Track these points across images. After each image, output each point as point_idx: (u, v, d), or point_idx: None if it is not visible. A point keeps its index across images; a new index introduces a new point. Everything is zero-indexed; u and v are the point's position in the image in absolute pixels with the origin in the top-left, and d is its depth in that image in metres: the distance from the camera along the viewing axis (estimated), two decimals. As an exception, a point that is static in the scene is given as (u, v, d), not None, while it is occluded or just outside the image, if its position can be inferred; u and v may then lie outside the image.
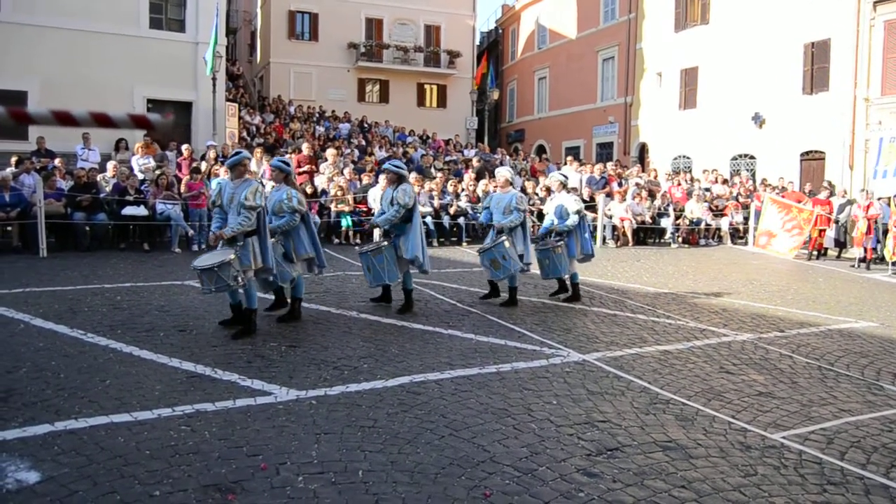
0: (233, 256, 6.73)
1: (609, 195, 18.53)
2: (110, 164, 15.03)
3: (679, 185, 21.30)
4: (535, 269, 9.83)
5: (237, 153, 7.16)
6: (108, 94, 20.01)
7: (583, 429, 4.70)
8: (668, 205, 19.16)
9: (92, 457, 3.97)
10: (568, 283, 9.76)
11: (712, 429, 4.82)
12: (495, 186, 9.99)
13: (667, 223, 18.69)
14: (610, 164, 22.95)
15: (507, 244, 8.75)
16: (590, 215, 17.80)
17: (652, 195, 19.43)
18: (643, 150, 30.98)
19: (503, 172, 9.52)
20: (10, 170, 13.40)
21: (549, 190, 10.16)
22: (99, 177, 14.42)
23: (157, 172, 14.58)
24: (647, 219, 18.42)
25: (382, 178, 16.58)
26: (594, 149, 33.66)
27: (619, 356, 6.70)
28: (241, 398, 5.07)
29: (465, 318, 8.19)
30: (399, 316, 8.16)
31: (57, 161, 14.98)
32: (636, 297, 10.08)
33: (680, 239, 18.70)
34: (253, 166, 16.67)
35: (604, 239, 17.55)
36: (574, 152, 33.01)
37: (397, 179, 8.29)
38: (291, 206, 7.47)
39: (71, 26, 19.97)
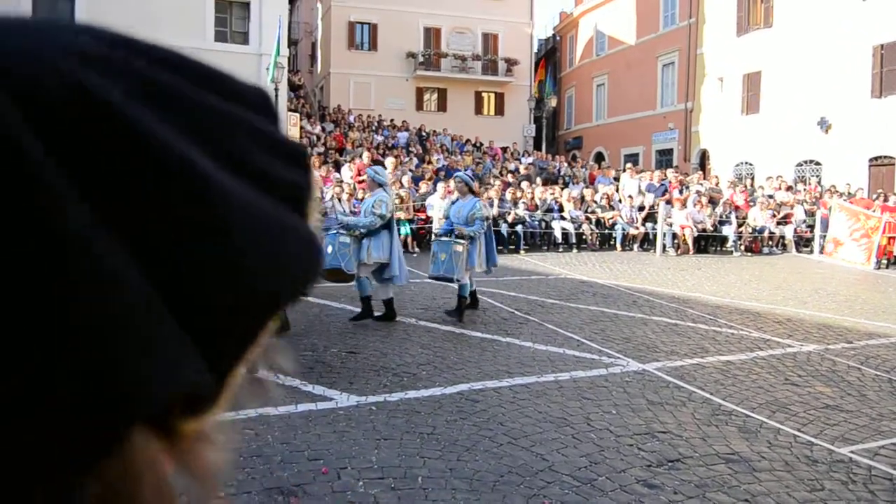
0: None
1: (669, 203, 18.26)
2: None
3: (744, 191, 20.85)
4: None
5: None
6: (175, 106, 20.59)
7: (643, 439, 4.65)
8: (729, 212, 18.78)
9: (161, 458, 4.10)
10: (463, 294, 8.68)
11: (777, 441, 4.72)
12: (449, 191, 9.35)
13: (729, 231, 18.31)
14: (670, 171, 22.61)
15: (459, 248, 8.13)
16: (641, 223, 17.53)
17: (713, 202, 19.08)
18: (704, 156, 30.46)
19: (461, 177, 8.85)
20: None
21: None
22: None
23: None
24: (709, 226, 18.07)
25: (441, 185, 16.72)
26: (654, 155, 33.24)
27: (680, 366, 6.61)
28: (303, 403, 5.17)
29: (523, 326, 8.18)
30: (458, 324, 8.18)
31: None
32: (697, 307, 9.92)
33: (742, 247, 18.29)
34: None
35: (664, 247, 17.29)
36: (633, 159, 32.61)
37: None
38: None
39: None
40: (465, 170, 22.09)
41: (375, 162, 19.28)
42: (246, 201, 0.36)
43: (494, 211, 16.74)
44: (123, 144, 0.32)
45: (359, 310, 8.18)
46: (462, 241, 8.29)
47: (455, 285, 8.50)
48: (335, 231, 7.84)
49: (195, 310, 0.34)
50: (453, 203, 8.98)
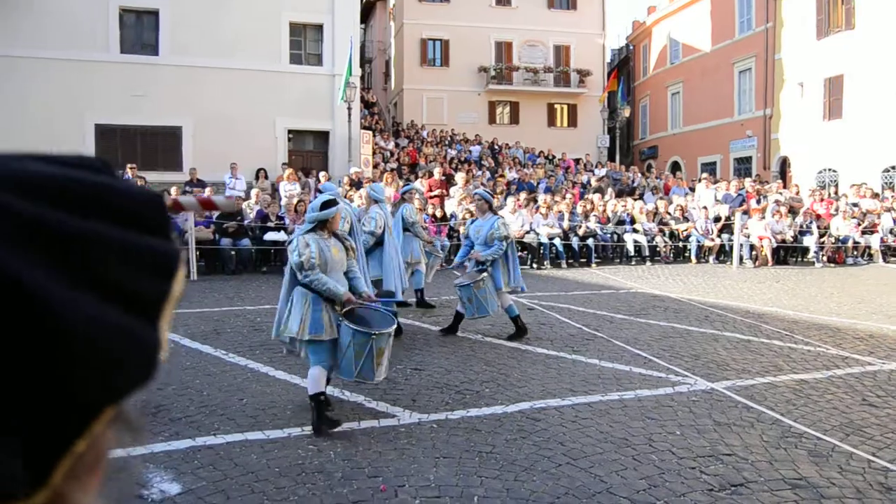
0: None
1: (746, 213, 17.77)
2: (253, 192, 16.01)
3: (822, 199, 20.13)
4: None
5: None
6: (253, 127, 21.42)
7: (706, 462, 4.56)
8: (810, 222, 18.14)
9: (227, 472, 4.26)
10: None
11: (849, 467, 4.55)
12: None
13: (810, 241, 17.67)
14: (748, 180, 22.00)
15: (481, 285, 7.87)
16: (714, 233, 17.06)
17: (793, 212, 18.47)
18: (784, 164, 29.52)
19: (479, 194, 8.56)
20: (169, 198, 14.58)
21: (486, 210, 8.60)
22: (244, 204, 15.34)
23: (295, 200, 15.37)
24: (789, 237, 17.49)
25: (511, 199, 16.73)
26: (731, 164, 32.42)
27: (751, 385, 6.43)
28: (366, 420, 5.27)
29: (589, 343, 8.11)
30: (523, 340, 8.16)
31: (207, 190, 16.10)
32: (773, 322, 9.62)
33: (825, 258, 17.63)
34: (388, 192, 17.29)
35: (741, 259, 16.84)
36: (710, 168, 31.93)
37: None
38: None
39: (220, 65, 21.51)
40: (535, 183, 22.19)
41: (447, 177, 19.46)
42: (86, 316, 0.41)
43: (565, 224, 16.66)
44: None
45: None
46: (480, 277, 7.94)
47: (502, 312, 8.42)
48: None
49: (14, 415, 0.38)
50: (472, 222, 8.61)
